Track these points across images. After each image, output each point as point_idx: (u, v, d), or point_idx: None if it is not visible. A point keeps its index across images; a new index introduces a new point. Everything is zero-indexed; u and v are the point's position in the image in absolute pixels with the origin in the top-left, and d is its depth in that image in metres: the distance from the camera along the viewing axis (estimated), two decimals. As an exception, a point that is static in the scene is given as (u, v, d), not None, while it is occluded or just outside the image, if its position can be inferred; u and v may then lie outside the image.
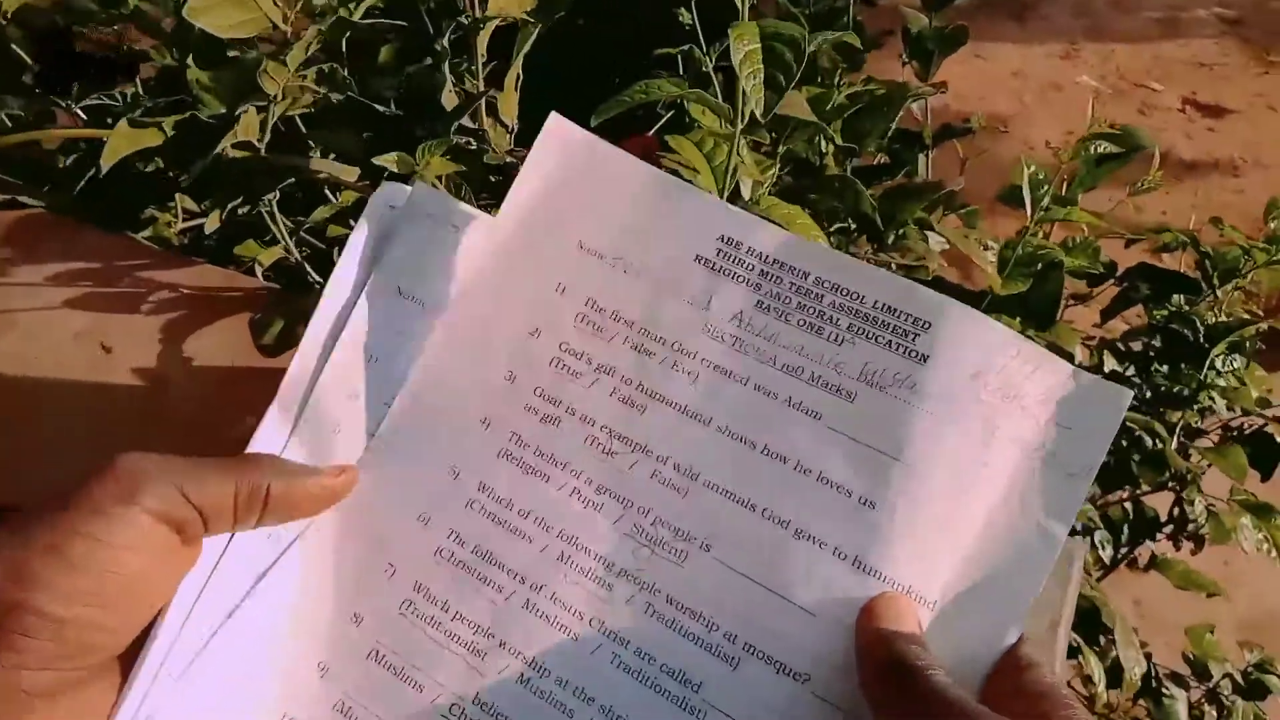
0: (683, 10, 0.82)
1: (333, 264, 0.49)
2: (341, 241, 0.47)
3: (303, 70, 0.40)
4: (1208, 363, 0.65)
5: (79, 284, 0.47)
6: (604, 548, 0.29)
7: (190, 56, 0.39)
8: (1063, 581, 0.34)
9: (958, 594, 0.27)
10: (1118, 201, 0.69)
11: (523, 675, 0.27)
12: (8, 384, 0.44)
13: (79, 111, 0.58)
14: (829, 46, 0.77)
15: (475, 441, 0.30)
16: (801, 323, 0.30)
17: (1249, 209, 1.68)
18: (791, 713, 0.26)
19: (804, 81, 0.78)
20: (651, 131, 0.77)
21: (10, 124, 0.61)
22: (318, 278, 0.47)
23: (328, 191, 0.49)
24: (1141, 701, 0.68)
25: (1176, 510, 0.72)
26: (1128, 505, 0.71)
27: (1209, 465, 0.67)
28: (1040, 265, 0.63)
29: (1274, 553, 0.61)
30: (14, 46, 0.54)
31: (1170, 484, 0.66)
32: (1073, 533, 0.64)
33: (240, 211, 0.44)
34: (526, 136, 0.53)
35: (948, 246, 0.58)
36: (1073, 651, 0.70)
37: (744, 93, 0.47)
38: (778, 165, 0.61)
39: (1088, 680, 0.70)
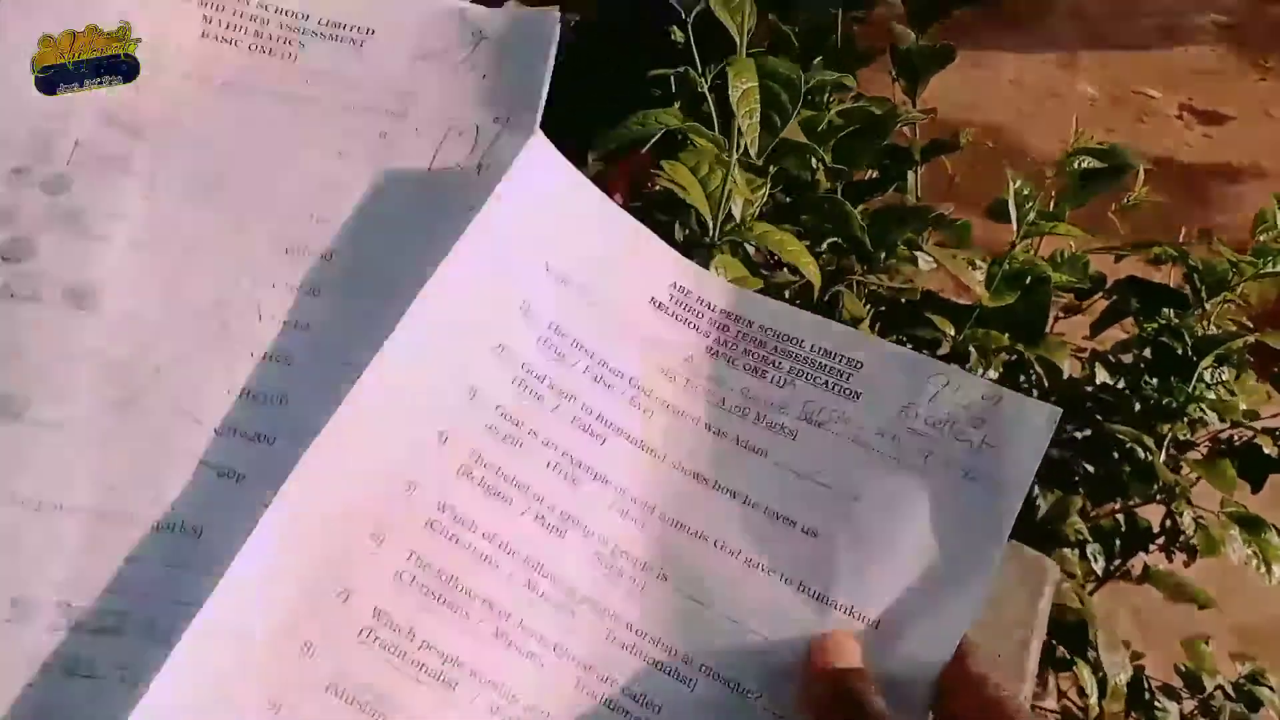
0: (675, 29, 0.84)
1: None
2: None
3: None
4: (1196, 375, 0.66)
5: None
6: (569, 575, 0.29)
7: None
8: (1034, 599, 0.34)
9: (898, 614, 0.28)
10: (1110, 210, 0.70)
11: (494, 704, 0.27)
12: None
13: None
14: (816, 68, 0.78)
15: (433, 456, 0.30)
16: (747, 367, 0.32)
17: (1248, 215, 1.69)
18: None
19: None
20: (645, 148, 0.78)
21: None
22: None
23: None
24: (1134, 714, 0.68)
25: (1168, 522, 0.72)
26: (1119, 517, 0.71)
27: (1198, 478, 0.68)
28: (1028, 280, 0.64)
29: (1262, 567, 0.61)
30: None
31: (1159, 496, 0.66)
32: (1061, 545, 0.65)
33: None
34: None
35: (936, 266, 0.59)
36: (1066, 664, 0.70)
37: (739, 130, 0.48)
38: (768, 185, 0.62)
39: (1082, 692, 0.70)
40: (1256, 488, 0.67)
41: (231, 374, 0.30)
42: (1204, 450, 0.72)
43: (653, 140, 0.76)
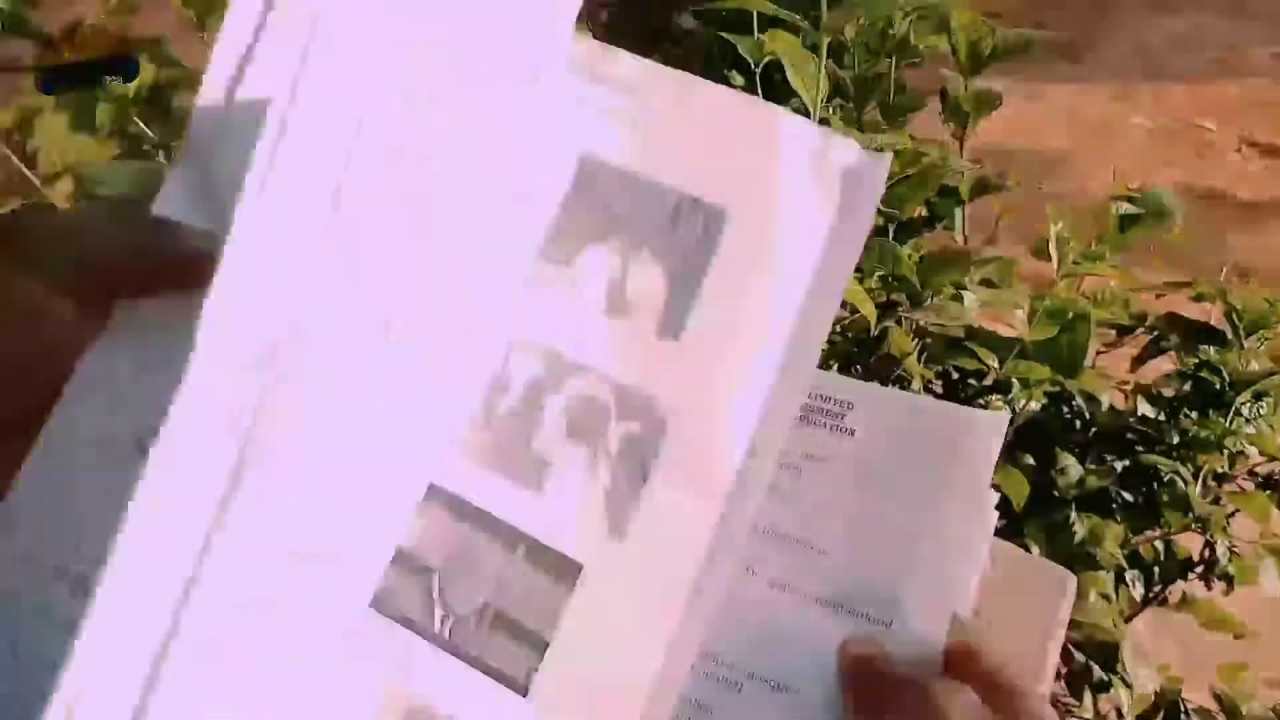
0: (734, 73, 0.89)
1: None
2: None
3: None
4: (1233, 410, 0.69)
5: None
6: None
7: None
8: (1053, 609, 0.38)
9: (907, 612, 0.33)
10: (1149, 248, 0.74)
11: None
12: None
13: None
14: (870, 110, 0.83)
15: None
16: None
17: (1307, 250, 1.68)
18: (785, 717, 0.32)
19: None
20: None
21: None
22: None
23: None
24: (1170, 735, 0.71)
25: (1207, 552, 0.75)
26: (1158, 545, 0.74)
27: (1235, 510, 0.70)
28: (1069, 316, 0.68)
29: (1295, 595, 0.64)
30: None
31: (1195, 525, 0.69)
32: (1095, 568, 0.68)
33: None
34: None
35: (982, 305, 0.63)
36: (1104, 685, 0.73)
37: None
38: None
39: (1119, 713, 0.73)
40: (1292, 520, 0.69)
41: None
42: (1243, 483, 0.74)
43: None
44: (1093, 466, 0.71)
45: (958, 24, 0.70)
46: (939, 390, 0.76)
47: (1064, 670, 0.74)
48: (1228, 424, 0.70)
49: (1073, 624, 0.64)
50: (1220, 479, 0.73)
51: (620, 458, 0.28)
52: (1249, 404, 0.70)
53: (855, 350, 0.64)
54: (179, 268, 0.24)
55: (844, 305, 0.63)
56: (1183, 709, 0.71)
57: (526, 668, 0.27)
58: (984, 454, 0.35)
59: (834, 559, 0.34)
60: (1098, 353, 0.83)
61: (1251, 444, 0.71)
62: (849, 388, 0.37)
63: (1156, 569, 0.74)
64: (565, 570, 0.27)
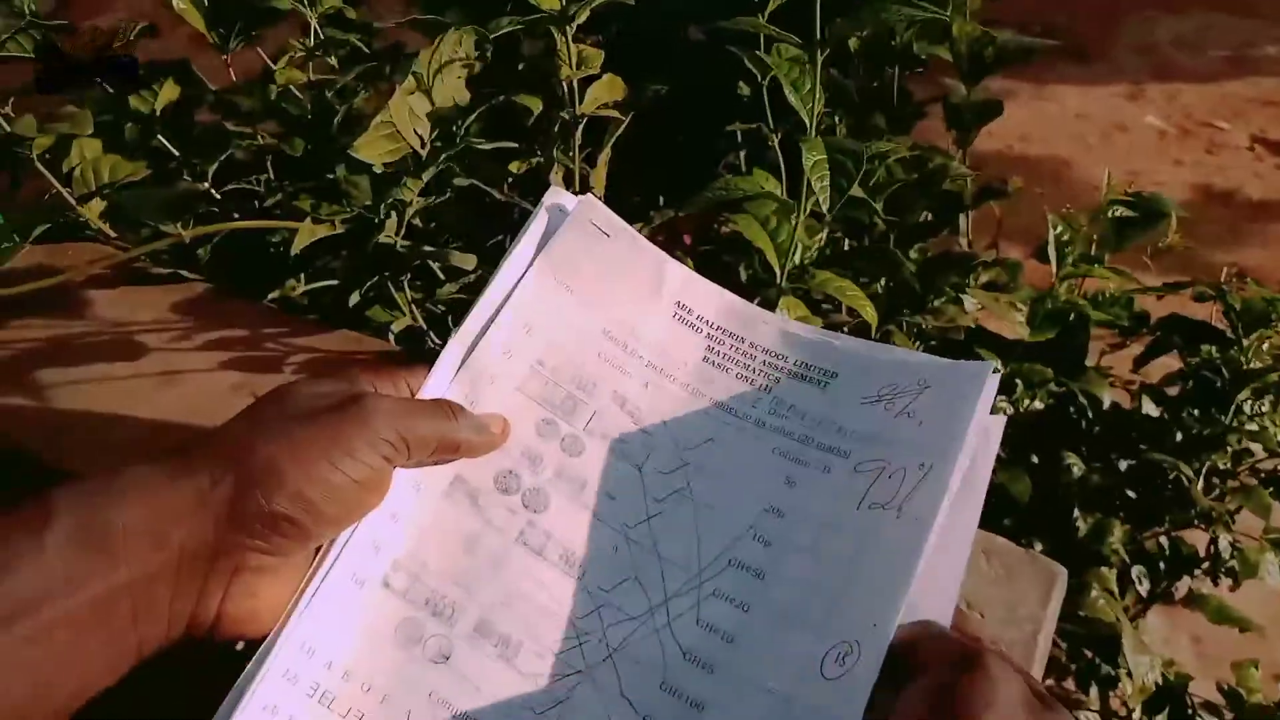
0: (741, 83, 0.91)
1: (448, 329, 0.58)
2: (458, 308, 0.56)
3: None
4: (1234, 407, 0.70)
5: (233, 346, 0.57)
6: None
7: (340, 162, 0.49)
8: (1044, 599, 0.40)
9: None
10: (1144, 255, 0.75)
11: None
12: (175, 430, 0.54)
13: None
14: (874, 118, 0.84)
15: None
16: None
17: (1320, 248, 1.68)
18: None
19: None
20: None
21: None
22: (437, 340, 0.56)
23: (434, 266, 0.59)
24: (1176, 729, 0.72)
25: (1213, 547, 0.76)
26: (1163, 541, 0.75)
27: (1239, 507, 0.71)
28: (1070, 317, 0.69)
29: (1295, 589, 0.64)
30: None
31: (1198, 521, 0.70)
32: (1099, 565, 0.69)
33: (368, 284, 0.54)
34: (610, 203, 0.62)
35: (982, 308, 0.64)
36: (1112, 681, 0.74)
37: (810, 187, 0.55)
38: (826, 231, 0.68)
39: (1127, 707, 0.74)
40: (1294, 515, 0.70)
41: (663, 669, 0.35)
42: (1246, 479, 0.75)
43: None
44: (1097, 465, 0.72)
45: (958, 33, 0.72)
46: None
47: (1072, 666, 0.75)
48: (1229, 421, 0.71)
49: (1076, 619, 0.65)
50: (1223, 476, 0.74)
51: None
52: (1250, 401, 0.71)
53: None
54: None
55: (846, 309, 0.64)
56: (1189, 703, 0.72)
57: None
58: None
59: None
60: (1102, 353, 0.84)
61: (1254, 441, 0.72)
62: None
63: (1162, 565, 0.75)
64: None
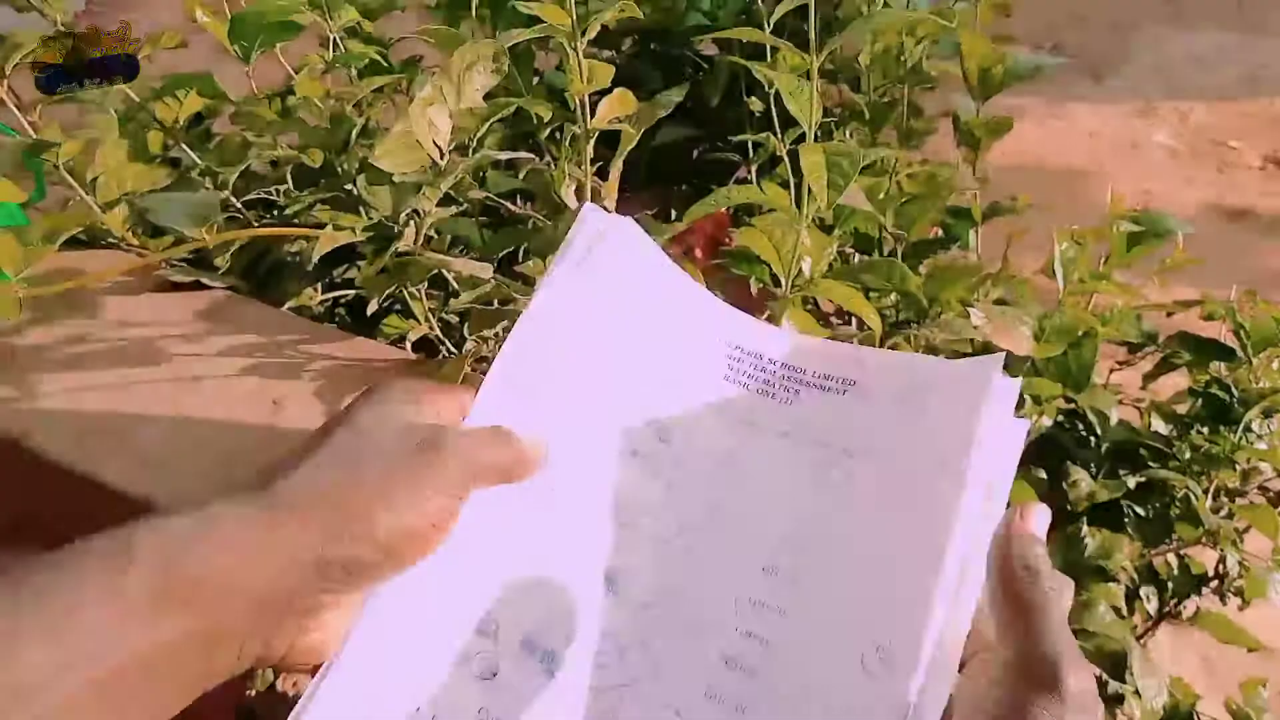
0: (753, 99, 0.92)
1: (463, 338, 0.59)
2: (471, 318, 0.57)
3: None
4: (1243, 425, 0.70)
5: (253, 353, 0.58)
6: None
7: (360, 172, 0.50)
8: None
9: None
10: (1154, 272, 0.75)
11: None
12: (196, 433, 0.55)
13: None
14: (885, 134, 0.85)
15: None
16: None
17: (1332, 268, 1.68)
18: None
19: (863, 169, 0.87)
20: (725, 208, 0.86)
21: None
22: (452, 349, 0.57)
23: (448, 276, 0.60)
24: (1183, 747, 0.71)
25: (1221, 566, 0.76)
26: (1170, 559, 0.75)
27: (1248, 526, 0.71)
28: (1080, 333, 0.70)
29: (1305, 609, 0.64)
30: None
31: (1205, 539, 0.70)
32: (1106, 580, 0.69)
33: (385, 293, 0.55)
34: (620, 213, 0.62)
35: (990, 322, 0.65)
36: (1120, 698, 0.74)
37: (810, 193, 0.56)
38: (835, 243, 0.69)
39: (1133, 725, 0.74)
40: (1304, 534, 0.70)
41: (704, 676, 0.36)
42: (1255, 499, 0.75)
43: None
44: (1105, 481, 0.72)
45: (968, 51, 0.73)
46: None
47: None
48: (1238, 439, 0.71)
49: (1083, 634, 0.65)
50: (1232, 494, 0.74)
51: None
52: (1259, 420, 0.71)
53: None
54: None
55: (852, 320, 0.65)
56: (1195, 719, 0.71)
57: None
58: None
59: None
60: (1111, 371, 0.85)
61: (1263, 459, 0.72)
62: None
63: (1170, 584, 0.75)
64: None
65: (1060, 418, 0.80)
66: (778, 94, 0.76)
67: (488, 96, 0.51)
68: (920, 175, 0.82)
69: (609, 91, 0.55)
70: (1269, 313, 0.71)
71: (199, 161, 0.71)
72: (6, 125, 0.71)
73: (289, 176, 0.71)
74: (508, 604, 0.36)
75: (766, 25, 0.55)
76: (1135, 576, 0.71)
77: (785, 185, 0.67)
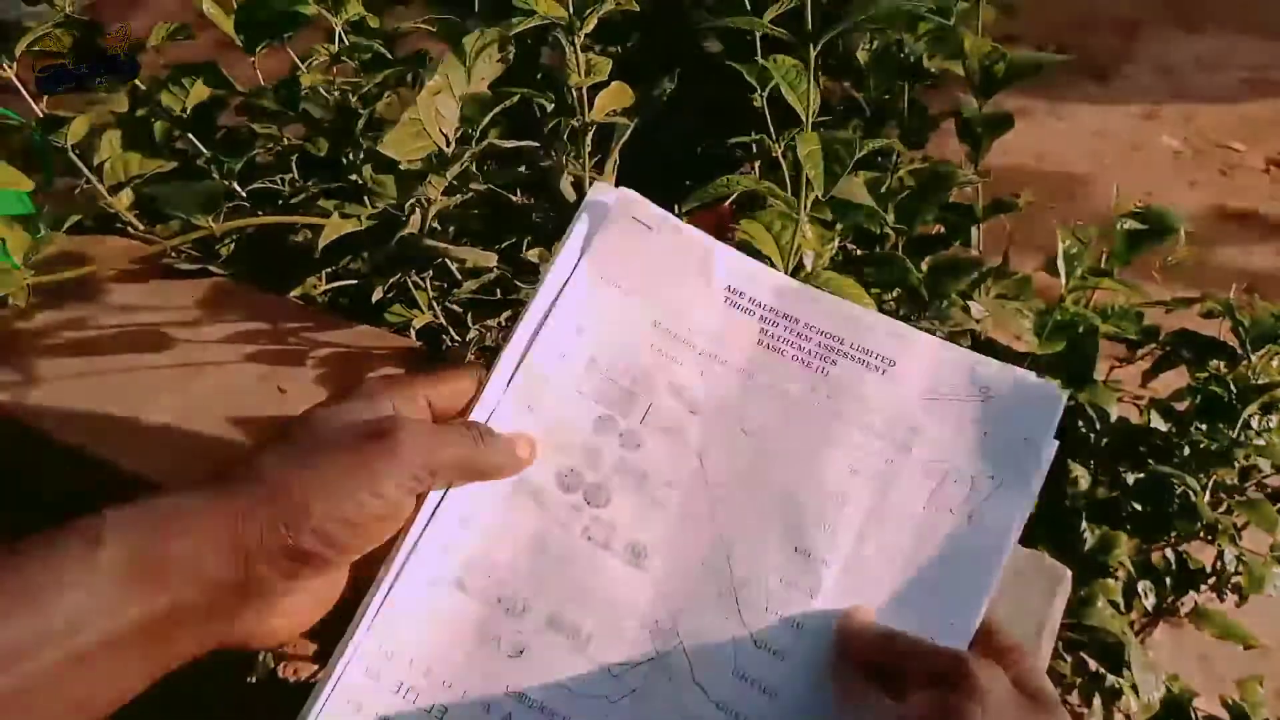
0: (757, 96, 0.92)
1: (466, 327, 0.60)
2: (476, 306, 0.58)
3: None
4: (1241, 422, 0.70)
5: (258, 339, 0.59)
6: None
7: (365, 162, 0.50)
8: (1049, 596, 0.41)
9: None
10: (1154, 269, 0.75)
11: None
12: (203, 417, 0.55)
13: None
14: (887, 131, 0.85)
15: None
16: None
17: (1335, 270, 1.68)
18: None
19: (864, 165, 0.87)
20: (729, 201, 0.87)
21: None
22: (456, 337, 0.57)
23: (449, 263, 0.60)
24: (1179, 742, 0.72)
25: (1219, 563, 0.76)
26: (1168, 554, 0.75)
27: (1247, 522, 0.72)
28: (1080, 329, 0.70)
29: (1301, 603, 0.65)
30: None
31: (1204, 535, 0.71)
32: (1104, 576, 0.69)
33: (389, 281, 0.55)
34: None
35: (989, 314, 0.65)
36: (1116, 693, 0.74)
37: (807, 180, 0.56)
38: (837, 238, 0.69)
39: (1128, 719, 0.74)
40: (1302, 530, 0.70)
41: (735, 656, 0.36)
42: (1253, 495, 0.75)
43: (734, 195, 0.84)
44: (1104, 477, 0.73)
45: (970, 48, 0.73)
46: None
47: (1078, 681, 0.75)
48: (1237, 436, 0.71)
49: (1080, 628, 0.66)
50: (1230, 490, 0.75)
51: None
52: (1258, 417, 0.71)
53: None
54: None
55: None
56: (1194, 718, 0.72)
57: None
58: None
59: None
60: (1111, 368, 0.85)
61: (1261, 456, 0.72)
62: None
63: (1169, 580, 0.75)
64: None
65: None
66: (775, 90, 0.76)
67: (491, 89, 0.51)
68: (922, 173, 0.83)
69: (606, 85, 0.56)
70: (1268, 309, 0.71)
71: (205, 151, 0.71)
72: (14, 112, 0.72)
73: (294, 167, 0.71)
74: (532, 584, 0.37)
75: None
76: (1133, 572, 0.71)
77: (784, 182, 0.67)
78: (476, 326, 0.60)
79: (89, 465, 0.53)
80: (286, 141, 0.73)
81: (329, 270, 0.66)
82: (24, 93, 0.61)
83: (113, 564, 0.30)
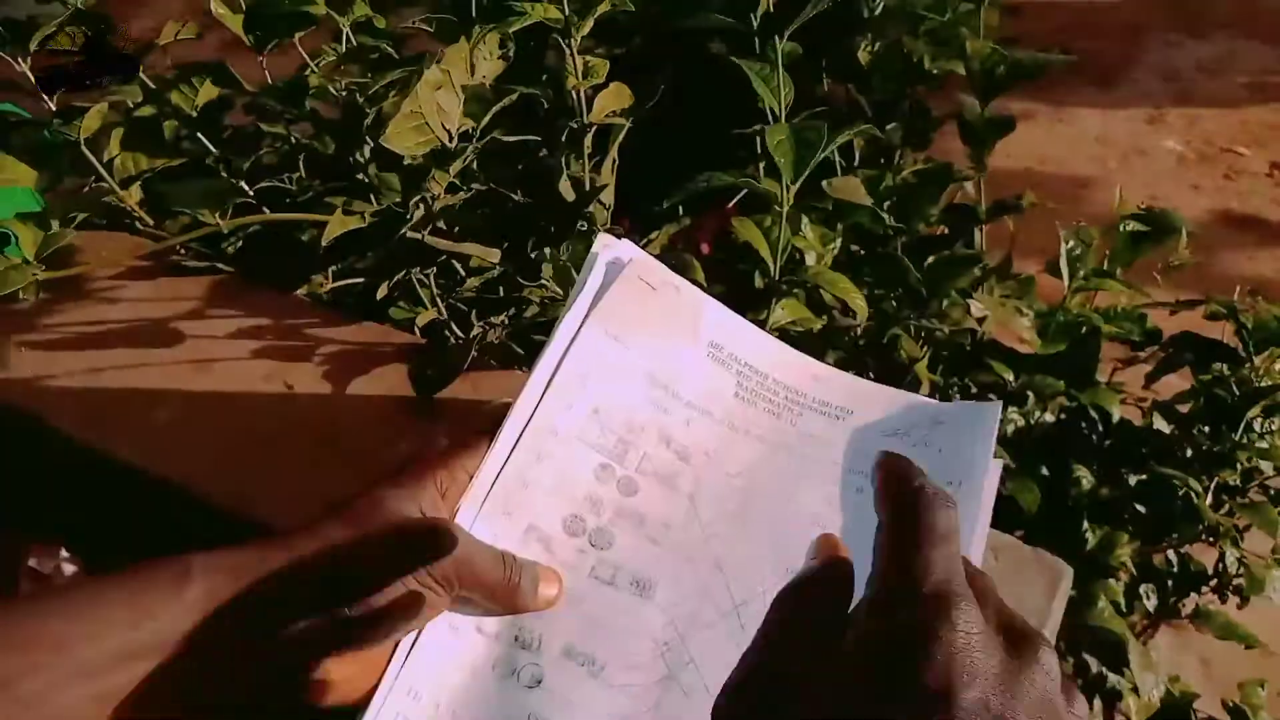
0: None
1: (470, 323, 0.60)
2: (479, 304, 0.58)
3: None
4: (1243, 424, 0.70)
5: (264, 335, 0.59)
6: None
7: (371, 161, 0.51)
8: (1049, 593, 0.41)
9: None
10: (1155, 270, 0.76)
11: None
12: (211, 413, 0.56)
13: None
14: (890, 133, 0.86)
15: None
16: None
17: (1338, 274, 1.68)
18: None
19: (868, 163, 0.87)
20: (731, 204, 0.87)
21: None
22: (459, 334, 0.58)
23: (455, 260, 0.61)
24: (1180, 743, 0.72)
25: (1221, 564, 0.76)
26: (1170, 555, 0.75)
27: (1249, 525, 0.72)
28: (1083, 329, 0.70)
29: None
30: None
31: (1205, 536, 0.71)
32: (1106, 575, 0.69)
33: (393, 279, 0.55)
34: (628, 212, 0.63)
35: (989, 313, 0.65)
36: (1116, 695, 0.74)
37: (780, 167, 0.57)
38: (839, 238, 0.70)
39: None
40: (1304, 532, 0.70)
41: None
42: (1255, 497, 0.75)
43: (738, 198, 0.85)
44: (1106, 478, 0.73)
45: (972, 50, 0.73)
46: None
47: (1079, 681, 0.76)
48: (1239, 438, 0.71)
49: (1081, 628, 0.66)
50: (1233, 492, 0.75)
51: None
52: (1260, 419, 0.71)
53: (869, 358, 0.67)
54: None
55: (851, 313, 0.66)
56: (1193, 719, 0.72)
57: None
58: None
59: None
60: (1114, 370, 0.85)
61: (1263, 459, 0.72)
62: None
63: (1170, 581, 0.76)
64: None
65: (1063, 415, 0.80)
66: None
67: (493, 88, 0.52)
68: (924, 173, 0.83)
69: (604, 86, 0.56)
70: (1271, 312, 0.71)
71: (213, 149, 0.72)
72: (23, 109, 0.72)
73: (301, 166, 0.72)
74: (545, 622, 0.39)
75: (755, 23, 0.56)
76: (1134, 572, 0.71)
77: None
78: (480, 323, 0.60)
79: (96, 459, 0.53)
80: (294, 141, 0.73)
81: (335, 268, 0.67)
82: (38, 90, 0.62)
83: (195, 600, 0.33)
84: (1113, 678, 0.70)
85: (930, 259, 0.64)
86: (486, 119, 0.51)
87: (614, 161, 0.64)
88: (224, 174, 0.71)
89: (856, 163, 0.85)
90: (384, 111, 0.66)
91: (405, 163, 0.46)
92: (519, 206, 0.57)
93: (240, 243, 0.72)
